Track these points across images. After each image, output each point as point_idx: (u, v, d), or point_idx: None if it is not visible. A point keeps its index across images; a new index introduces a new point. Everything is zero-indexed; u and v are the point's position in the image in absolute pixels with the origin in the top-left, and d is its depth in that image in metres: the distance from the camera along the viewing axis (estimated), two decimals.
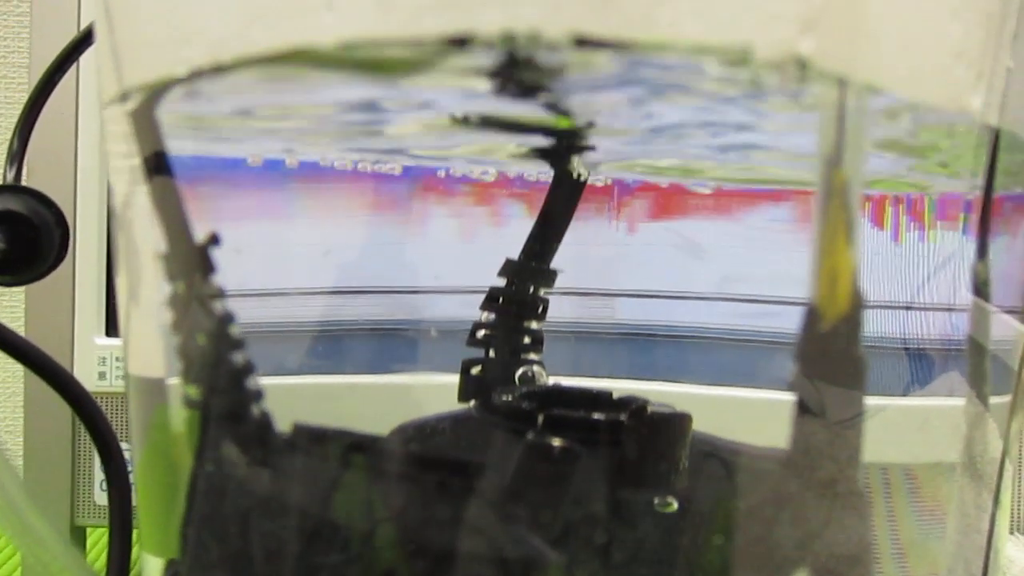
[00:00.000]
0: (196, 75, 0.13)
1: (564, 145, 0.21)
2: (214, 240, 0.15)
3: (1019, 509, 0.40)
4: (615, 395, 0.19)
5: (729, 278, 0.24)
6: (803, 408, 0.15)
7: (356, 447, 0.15)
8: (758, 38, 0.11)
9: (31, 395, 0.39)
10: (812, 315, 0.14)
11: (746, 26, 0.11)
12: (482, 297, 0.23)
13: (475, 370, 0.23)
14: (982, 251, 0.18)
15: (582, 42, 0.11)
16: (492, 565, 0.15)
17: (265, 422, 0.15)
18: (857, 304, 0.14)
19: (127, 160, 0.16)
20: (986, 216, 0.18)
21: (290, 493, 0.15)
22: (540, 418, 0.16)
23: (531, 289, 0.23)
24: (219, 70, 0.12)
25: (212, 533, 0.15)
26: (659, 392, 0.22)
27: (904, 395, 0.19)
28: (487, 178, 0.23)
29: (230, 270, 0.18)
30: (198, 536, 0.15)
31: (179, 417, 0.16)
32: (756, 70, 0.11)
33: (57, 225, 0.24)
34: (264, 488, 0.15)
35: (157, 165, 0.16)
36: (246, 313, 0.20)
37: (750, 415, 0.20)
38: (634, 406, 0.18)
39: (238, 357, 0.15)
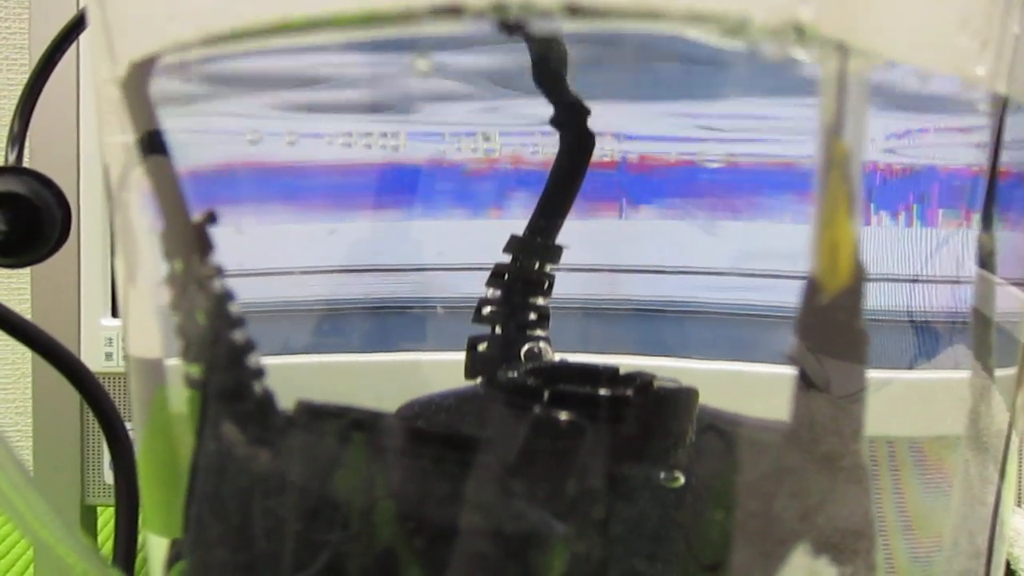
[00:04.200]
0: (184, 49, 0.13)
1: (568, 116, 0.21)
2: (211, 218, 0.15)
3: None
4: (621, 371, 0.19)
5: (737, 252, 0.23)
6: (805, 381, 0.15)
7: (360, 424, 0.15)
8: (755, 5, 0.11)
9: (40, 376, 0.40)
10: (813, 288, 0.14)
11: None
12: (486, 273, 0.23)
13: (481, 347, 0.23)
14: (987, 222, 0.17)
15: (575, 10, 0.10)
16: (499, 540, 0.15)
17: (267, 400, 0.15)
18: (859, 277, 0.14)
19: (122, 139, 0.16)
20: (992, 187, 0.17)
21: (294, 471, 0.15)
22: (546, 394, 0.16)
23: (536, 265, 0.23)
24: (207, 44, 0.12)
25: (215, 513, 0.15)
26: (664, 367, 0.22)
27: (910, 368, 0.18)
28: (492, 154, 0.23)
29: (232, 249, 0.18)
30: (200, 516, 0.15)
31: (179, 397, 0.16)
32: (754, 37, 0.11)
33: (58, 206, 0.24)
34: (267, 466, 0.15)
35: (151, 144, 0.16)
36: (249, 292, 0.20)
37: (756, 390, 0.20)
38: (640, 381, 0.18)
39: (238, 335, 0.15)
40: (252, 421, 0.15)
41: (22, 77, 0.50)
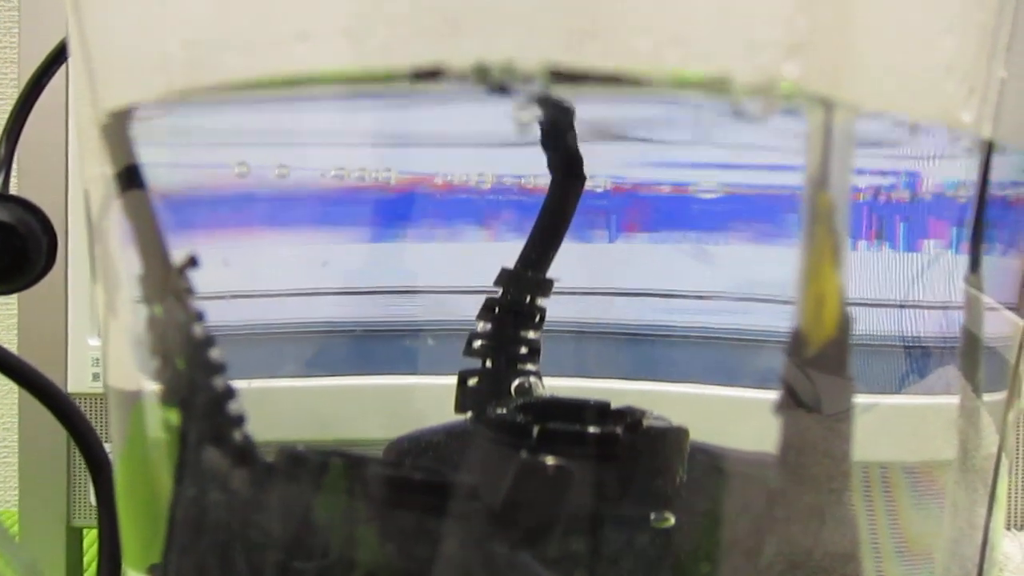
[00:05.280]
0: (169, 99, 0.13)
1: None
2: (192, 262, 0.15)
3: (1015, 505, 0.40)
4: (611, 405, 0.19)
5: (725, 277, 0.23)
6: (795, 402, 0.15)
7: (342, 471, 0.15)
8: (740, 65, 0.11)
9: (27, 394, 0.39)
10: (798, 339, 0.14)
11: (727, 53, 0.11)
12: (474, 298, 0.23)
13: (472, 381, 0.23)
14: (975, 263, 0.17)
15: (557, 75, 0.10)
16: None
17: (247, 447, 0.15)
18: (844, 328, 0.14)
19: (101, 172, 0.16)
20: (979, 227, 0.17)
21: (276, 518, 0.15)
22: (535, 431, 0.16)
23: (527, 298, 0.23)
24: (191, 96, 0.12)
25: (193, 560, 0.15)
26: (653, 392, 0.22)
27: (900, 392, 0.18)
28: (483, 184, 0.23)
29: (221, 275, 0.18)
30: (180, 563, 0.15)
31: (158, 435, 0.16)
32: (738, 96, 0.11)
33: (44, 233, 0.24)
34: (248, 514, 0.14)
35: (130, 179, 0.15)
36: (241, 316, 0.20)
37: (744, 413, 0.19)
38: (630, 419, 0.17)
39: (218, 382, 0.15)
40: (232, 468, 0.15)
41: (13, 91, 0.49)
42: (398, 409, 0.23)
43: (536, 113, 0.14)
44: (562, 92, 0.11)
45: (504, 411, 0.20)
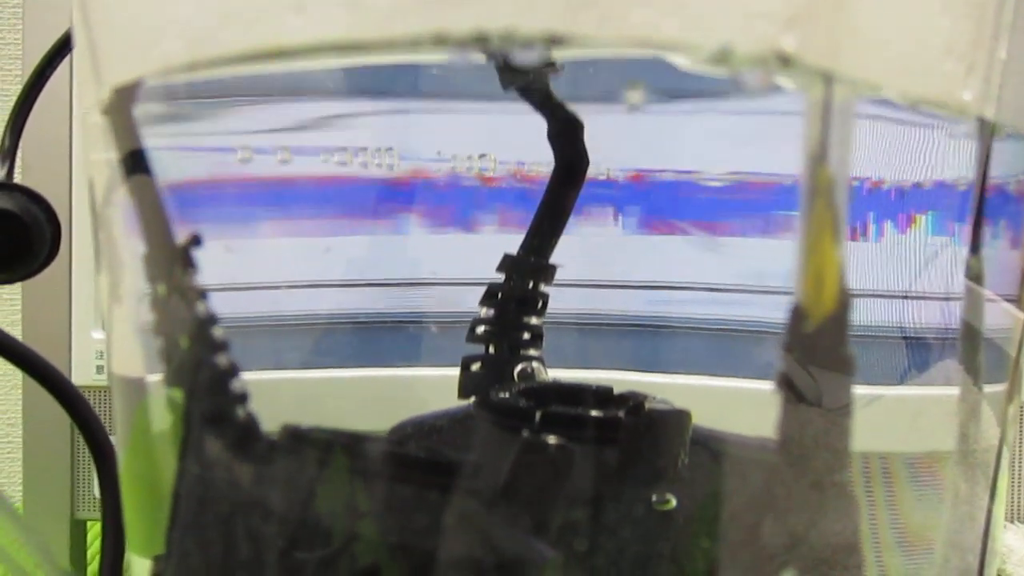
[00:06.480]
0: (170, 74, 0.13)
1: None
2: (195, 241, 0.15)
3: (1018, 497, 0.40)
4: (614, 391, 0.19)
5: (727, 268, 0.23)
6: (796, 396, 0.15)
7: (345, 448, 0.15)
8: (738, 36, 0.11)
9: (31, 388, 0.39)
10: (798, 314, 0.14)
11: (725, 24, 0.11)
12: (477, 289, 0.23)
13: (475, 367, 0.23)
14: (975, 246, 0.17)
15: (557, 40, 0.10)
16: (487, 566, 0.14)
17: (251, 424, 0.15)
18: (844, 303, 0.14)
19: (105, 157, 0.16)
20: (980, 210, 0.17)
21: (279, 496, 0.15)
22: (537, 415, 0.16)
23: (530, 285, 0.23)
24: (192, 70, 0.12)
25: (197, 539, 0.15)
26: (652, 383, 0.22)
27: (901, 384, 0.18)
28: (487, 172, 0.23)
29: (224, 265, 0.18)
30: (183, 542, 0.15)
31: (162, 418, 0.16)
32: (737, 66, 0.11)
33: (48, 222, 0.24)
34: (251, 491, 0.14)
35: (135, 164, 0.16)
36: (243, 307, 0.20)
37: (746, 405, 0.19)
38: (632, 403, 0.17)
39: (222, 359, 0.15)
40: (235, 446, 0.15)
41: (15, 88, 0.50)
42: (401, 401, 0.23)
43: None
44: (560, 57, 0.11)
45: (507, 395, 0.20)
